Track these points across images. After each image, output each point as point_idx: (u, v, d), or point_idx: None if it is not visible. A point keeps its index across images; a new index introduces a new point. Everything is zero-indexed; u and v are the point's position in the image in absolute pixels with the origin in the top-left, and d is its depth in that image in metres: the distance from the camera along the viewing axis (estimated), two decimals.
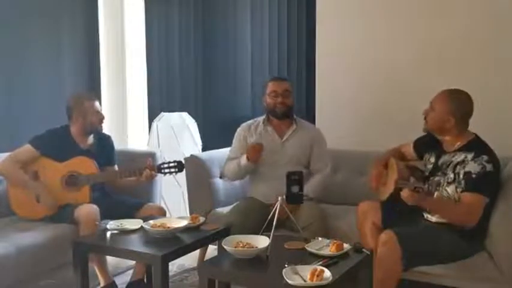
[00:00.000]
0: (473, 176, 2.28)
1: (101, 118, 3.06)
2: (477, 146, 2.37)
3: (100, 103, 3.14)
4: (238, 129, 3.15)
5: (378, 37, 3.44)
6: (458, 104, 2.41)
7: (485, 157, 2.31)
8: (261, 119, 3.12)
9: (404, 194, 2.27)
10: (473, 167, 2.30)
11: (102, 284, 2.78)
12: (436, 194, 2.37)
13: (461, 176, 2.33)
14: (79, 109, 3.00)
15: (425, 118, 2.49)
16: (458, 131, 2.43)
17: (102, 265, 2.78)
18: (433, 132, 2.51)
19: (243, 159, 2.92)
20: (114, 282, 2.83)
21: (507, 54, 3.06)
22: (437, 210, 2.39)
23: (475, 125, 2.64)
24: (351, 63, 3.54)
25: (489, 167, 2.28)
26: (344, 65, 3.57)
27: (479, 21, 3.12)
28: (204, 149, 4.06)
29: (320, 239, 2.26)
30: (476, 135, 2.45)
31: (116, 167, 3.14)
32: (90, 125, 3.01)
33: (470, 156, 2.34)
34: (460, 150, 2.41)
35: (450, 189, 2.39)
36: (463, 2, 3.17)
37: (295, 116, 3.10)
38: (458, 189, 2.34)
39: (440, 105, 2.42)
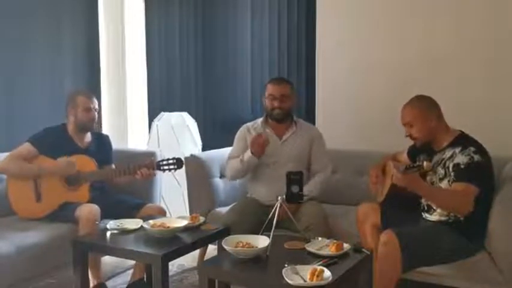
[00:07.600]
0: (462, 166, 2.32)
1: (91, 117, 3.01)
2: (463, 141, 2.42)
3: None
4: (239, 131, 3.12)
5: (377, 37, 3.44)
6: (424, 102, 2.49)
7: (472, 148, 2.35)
8: (260, 120, 3.10)
9: (397, 175, 2.26)
10: (461, 159, 2.33)
11: (92, 284, 2.74)
12: (425, 163, 2.39)
13: (450, 169, 2.37)
14: (72, 104, 3.00)
15: (411, 137, 2.53)
16: (444, 127, 2.49)
17: (97, 265, 2.76)
18: (427, 142, 2.53)
19: (247, 153, 2.90)
20: (104, 284, 2.82)
21: (508, 54, 3.07)
22: (430, 196, 2.41)
23: (476, 125, 2.64)
24: (351, 63, 3.54)
25: (477, 157, 2.32)
26: (344, 65, 3.57)
27: (481, 21, 3.12)
28: (204, 149, 4.06)
29: (320, 239, 2.25)
30: (462, 131, 2.49)
31: (113, 166, 3.14)
32: (80, 121, 2.99)
33: (458, 150, 2.39)
34: (448, 146, 2.45)
35: (443, 184, 2.42)
36: (464, 2, 3.17)
37: (295, 118, 3.06)
38: (450, 182, 2.37)
39: (414, 115, 2.48)
